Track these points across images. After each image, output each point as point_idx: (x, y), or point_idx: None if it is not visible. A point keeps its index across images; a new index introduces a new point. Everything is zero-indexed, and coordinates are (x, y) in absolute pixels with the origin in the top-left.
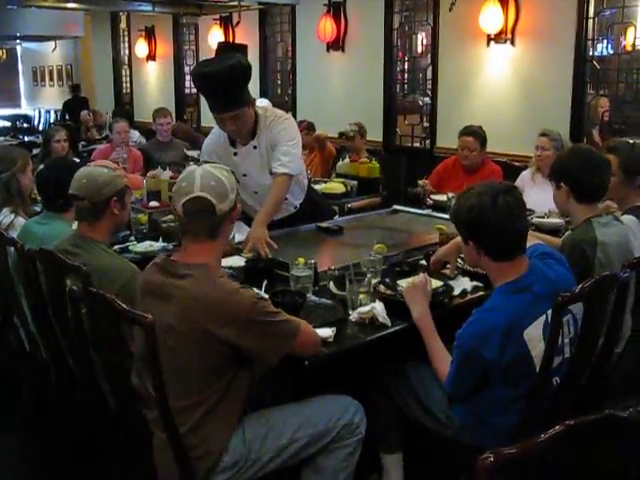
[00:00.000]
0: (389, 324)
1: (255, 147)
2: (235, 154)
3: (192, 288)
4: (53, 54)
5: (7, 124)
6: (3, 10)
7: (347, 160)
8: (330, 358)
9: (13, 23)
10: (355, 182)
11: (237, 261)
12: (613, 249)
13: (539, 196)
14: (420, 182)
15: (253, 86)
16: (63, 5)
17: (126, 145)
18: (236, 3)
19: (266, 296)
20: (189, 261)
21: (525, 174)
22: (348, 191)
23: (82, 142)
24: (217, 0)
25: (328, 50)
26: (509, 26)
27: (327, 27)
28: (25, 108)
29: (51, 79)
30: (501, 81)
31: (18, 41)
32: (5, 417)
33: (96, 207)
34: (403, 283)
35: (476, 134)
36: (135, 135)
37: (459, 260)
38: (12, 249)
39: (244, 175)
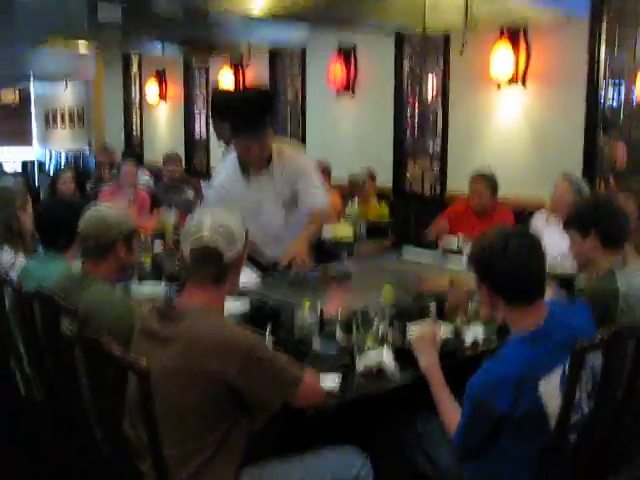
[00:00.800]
0: (398, 376)
1: (269, 177)
2: (248, 183)
3: (190, 329)
4: (65, 96)
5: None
6: (15, 49)
7: (356, 203)
8: (335, 409)
9: (26, 62)
10: (364, 225)
11: (238, 307)
12: (635, 299)
13: (552, 240)
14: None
15: None
16: (74, 43)
17: (133, 187)
18: (246, 46)
19: (267, 342)
20: (189, 305)
21: (538, 217)
22: (356, 234)
23: (90, 182)
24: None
25: (338, 94)
26: (520, 69)
27: (337, 71)
28: (37, 150)
29: (63, 121)
30: (512, 125)
31: (31, 83)
32: None
33: (101, 247)
34: (413, 328)
35: (487, 179)
36: (144, 177)
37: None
38: (10, 289)
39: (257, 205)
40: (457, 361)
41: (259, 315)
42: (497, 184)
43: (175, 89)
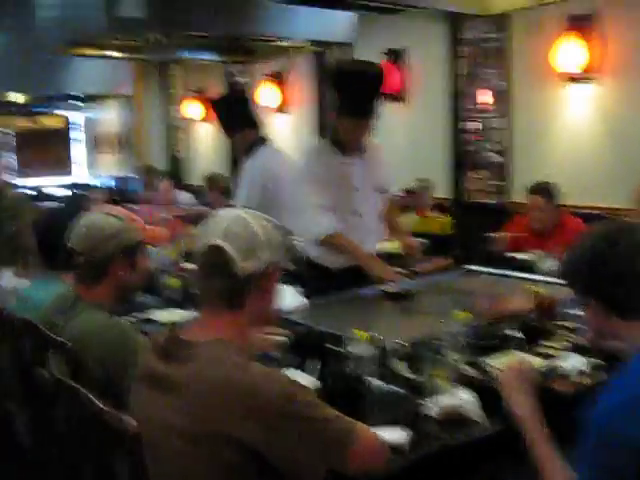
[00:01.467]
0: (484, 423)
1: (365, 161)
2: (346, 166)
3: (202, 372)
4: (109, 120)
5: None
6: (50, 69)
7: (413, 216)
8: (404, 472)
9: (62, 81)
10: (425, 241)
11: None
12: None
13: None
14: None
15: (312, 138)
16: (100, 48)
17: (169, 205)
18: (287, 44)
19: (311, 383)
20: (200, 337)
21: None
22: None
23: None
24: (267, 39)
25: (390, 101)
26: (594, 62)
27: (388, 76)
28: (84, 176)
29: (108, 146)
30: (584, 126)
31: (78, 107)
32: None
33: (95, 265)
34: (494, 362)
35: (544, 191)
36: (184, 196)
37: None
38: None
39: (356, 189)
40: (553, 399)
41: (299, 350)
42: (557, 195)
43: None
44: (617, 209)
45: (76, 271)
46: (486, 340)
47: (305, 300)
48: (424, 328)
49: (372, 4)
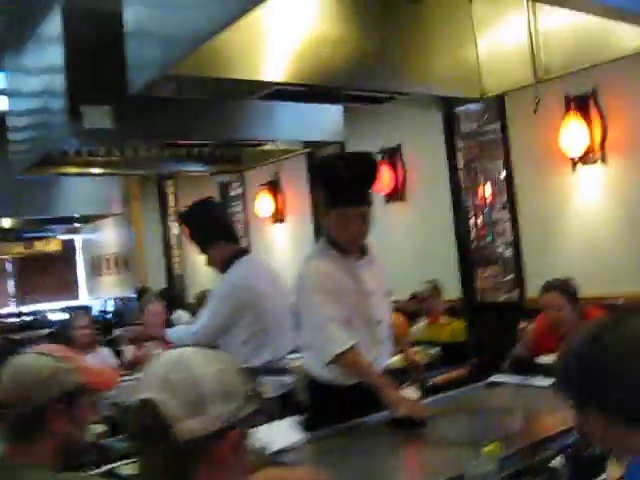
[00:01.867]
0: None
1: (370, 262)
2: (355, 270)
3: None
4: (107, 241)
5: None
6: (38, 191)
7: (424, 323)
8: None
9: (53, 204)
10: (437, 348)
11: None
12: None
13: None
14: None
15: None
16: (84, 171)
17: (159, 334)
18: (274, 147)
19: None
20: None
21: None
22: (430, 361)
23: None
24: (252, 143)
25: (388, 201)
26: (596, 143)
27: (384, 175)
28: (84, 298)
29: (108, 267)
30: (596, 209)
31: (74, 229)
32: None
33: (27, 418)
34: None
35: (559, 288)
36: (183, 316)
37: None
38: None
39: (370, 294)
40: None
41: None
42: (575, 291)
43: None
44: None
45: (6, 427)
46: (526, 476)
47: (303, 435)
48: (445, 463)
49: (360, 93)
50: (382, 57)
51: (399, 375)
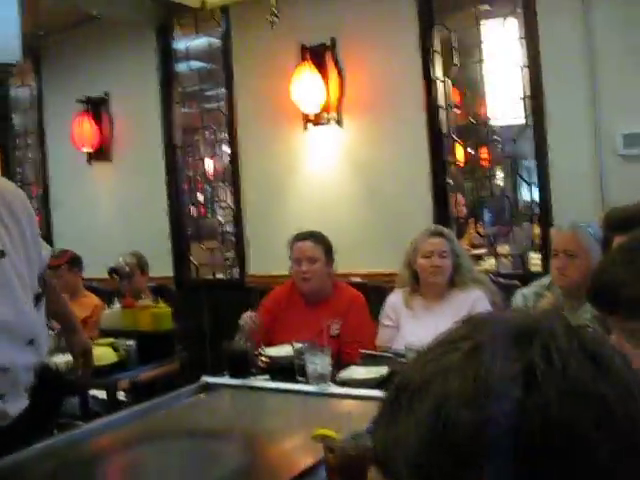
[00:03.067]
0: None
1: None
2: None
3: None
4: None
5: None
6: None
7: (117, 307)
8: None
9: None
10: (132, 342)
11: None
12: None
13: (419, 329)
14: (245, 316)
15: None
16: None
17: None
18: None
19: None
20: None
21: (394, 300)
22: (123, 358)
23: None
24: None
25: (90, 160)
26: (332, 100)
27: (86, 130)
28: None
29: None
30: (330, 175)
31: None
32: None
33: None
34: None
35: (317, 238)
36: None
37: None
38: None
39: None
40: None
41: None
42: (331, 247)
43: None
44: (377, 274)
45: None
46: None
47: None
48: None
49: None
50: None
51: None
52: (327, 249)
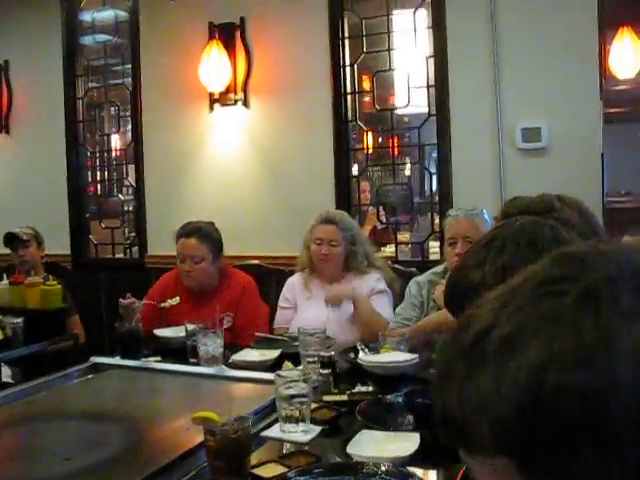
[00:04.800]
0: None
1: None
2: None
3: None
4: None
5: None
6: None
7: (4, 283)
8: None
9: None
10: (19, 320)
11: None
12: None
13: (315, 310)
14: (124, 302)
15: None
16: None
17: None
18: None
19: None
20: None
21: (293, 281)
22: (8, 337)
23: None
24: None
25: None
26: (239, 80)
27: None
28: None
29: None
30: (234, 156)
31: None
32: None
33: None
34: None
35: (203, 235)
36: None
37: None
38: None
39: None
40: None
41: None
42: (219, 240)
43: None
44: (279, 257)
45: None
46: None
47: None
48: None
49: None
50: None
51: None
52: (214, 246)
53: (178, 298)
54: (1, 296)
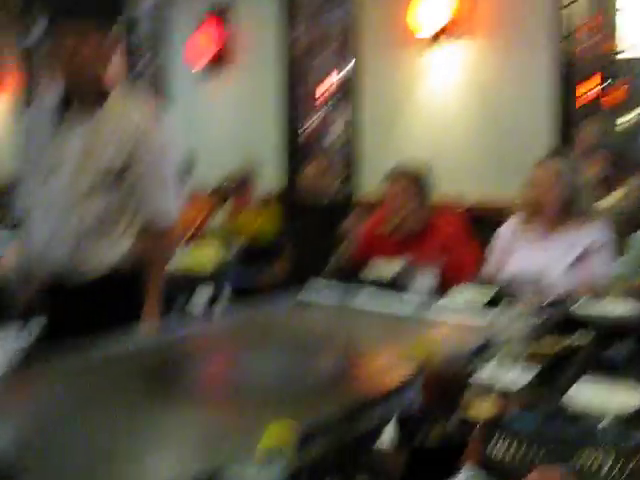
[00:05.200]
0: None
1: (95, 124)
2: (57, 127)
3: None
4: None
5: None
6: None
7: (227, 210)
8: None
9: None
10: (239, 244)
11: None
12: None
13: (529, 259)
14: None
15: None
16: None
17: None
18: None
19: None
20: None
21: (505, 231)
22: (226, 260)
23: None
24: None
25: (209, 68)
26: (459, 18)
27: (205, 41)
28: None
29: None
30: (449, 97)
31: None
32: None
33: None
34: None
35: (409, 176)
36: None
37: None
38: None
39: (52, 169)
40: None
41: None
42: (429, 184)
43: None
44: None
45: None
46: None
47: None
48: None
49: None
50: None
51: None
52: (423, 189)
53: None
54: (222, 222)
